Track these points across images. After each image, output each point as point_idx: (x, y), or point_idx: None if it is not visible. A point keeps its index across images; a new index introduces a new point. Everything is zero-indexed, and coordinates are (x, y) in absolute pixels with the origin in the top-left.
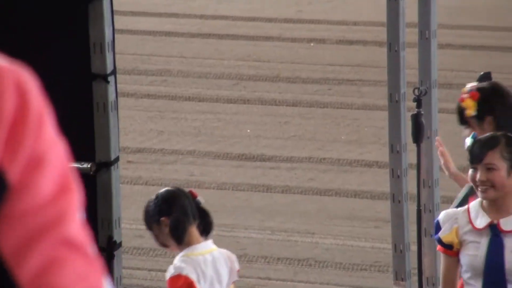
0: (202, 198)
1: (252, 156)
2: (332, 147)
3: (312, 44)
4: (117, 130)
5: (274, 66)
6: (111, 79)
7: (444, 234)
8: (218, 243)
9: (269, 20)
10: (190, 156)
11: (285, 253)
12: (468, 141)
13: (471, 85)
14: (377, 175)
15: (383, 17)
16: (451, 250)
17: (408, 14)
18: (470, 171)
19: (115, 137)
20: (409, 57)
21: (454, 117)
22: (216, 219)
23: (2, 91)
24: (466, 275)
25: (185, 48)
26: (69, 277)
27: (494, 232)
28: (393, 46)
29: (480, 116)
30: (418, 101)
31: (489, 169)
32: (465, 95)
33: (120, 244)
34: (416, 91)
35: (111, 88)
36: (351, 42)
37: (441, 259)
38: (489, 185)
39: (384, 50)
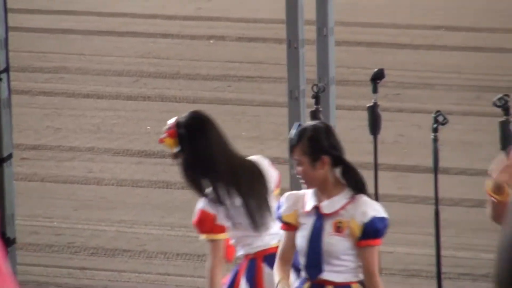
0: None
1: (152, 153)
2: (233, 143)
3: (211, 41)
4: (9, 127)
5: (174, 63)
6: (3, 76)
7: (285, 214)
8: (118, 239)
9: (169, 17)
10: (89, 153)
11: (184, 249)
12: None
13: (171, 121)
14: (278, 170)
15: (282, 14)
16: (289, 226)
17: (306, 12)
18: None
19: (8, 134)
20: (308, 55)
21: (351, 113)
22: (116, 215)
23: None
24: (299, 253)
25: (83, 46)
26: None
27: (317, 215)
28: (292, 43)
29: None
30: (316, 97)
31: (298, 163)
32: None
33: (14, 241)
34: (314, 87)
35: (3, 85)
36: (250, 39)
37: (283, 234)
38: (301, 177)
39: (284, 47)
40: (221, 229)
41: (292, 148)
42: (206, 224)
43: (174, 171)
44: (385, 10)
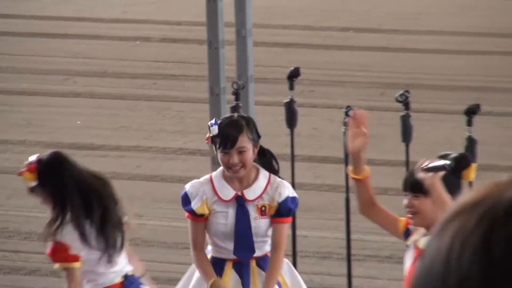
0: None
1: (81, 145)
2: (158, 136)
3: (137, 42)
4: None
5: (103, 62)
6: None
7: (196, 206)
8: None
9: (97, 20)
10: (21, 145)
11: None
12: (214, 129)
13: (33, 157)
14: (200, 162)
15: (203, 17)
16: (201, 217)
17: (226, 15)
18: (221, 155)
19: None
20: (228, 54)
21: (269, 109)
22: None
23: None
24: (215, 238)
25: (15, 47)
26: None
27: (240, 202)
28: (213, 44)
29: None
30: (236, 94)
31: (241, 152)
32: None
33: None
34: (234, 85)
35: None
36: (174, 40)
37: (189, 224)
38: (240, 165)
39: (205, 47)
40: (75, 258)
41: (235, 138)
42: (60, 253)
43: (102, 162)
44: (299, 13)
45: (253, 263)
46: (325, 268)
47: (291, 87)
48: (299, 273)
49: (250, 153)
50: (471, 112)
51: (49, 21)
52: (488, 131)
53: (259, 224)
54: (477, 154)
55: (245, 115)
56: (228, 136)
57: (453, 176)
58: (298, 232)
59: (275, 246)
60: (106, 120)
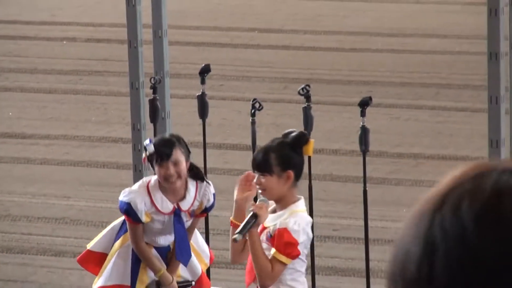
0: None
1: (14, 134)
2: (84, 126)
3: (64, 42)
4: None
5: (33, 60)
6: None
7: (143, 218)
8: None
9: (27, 23)
10: None
11: (44, 213)
12: (150, 147)
13: None
14: (122, 149)
15: (124, 19)
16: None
17: (144, 17)
18: (158, 169)
19: None
20: (146, 52)
21: (183, 101)
22: None
23: None
24: (152, 237)
25: None
26: None
27: (176, 212)
28: (132, 43)
29: None
30: (154, 88)
31: (176, 164)
32: None
33: None
34: (152, 80)
35: None
36: (98, 40)
37: (131, 228)
38: (176, 176)
39: (126, 46)
40: None
41: (170, 151)
42: None
43: (33, 150)
44: (210, 16)
45: None
46: None
47: (203, 82)
48: (212, 248)
49: (184, 165)
50: (364, 104)
51: None
52: (379, 121)
53: (188, 224)
54: (370, 142)
55: (175, 134)
56: (163, 150)
57: (295, 152)
58: (210, 213)
59: (190, 229)
60: (36, 112)
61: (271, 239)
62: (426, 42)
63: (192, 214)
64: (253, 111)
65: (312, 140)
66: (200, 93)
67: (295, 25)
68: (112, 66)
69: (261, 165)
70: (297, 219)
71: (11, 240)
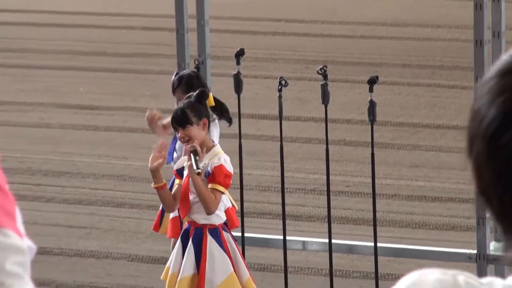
0: None
1: (84, 106)
2: (140, 99)
3: (125, 30)
4: None
5: (102, 45)
6: None
7: None
8: None
9: (97, 13)
10: None
11: (107, 171)
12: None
13: None
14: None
15: (172, 11)
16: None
17: (189, 9)
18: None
19: None
20: (191, 38)
21: (222, 79)
22: None
23: None
24: None
25: None
26: None
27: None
28: (180, 30)
29: None
30: (197, 68)
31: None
32: None
33: None
34: (196, 61)
35: None
36: (151, 29)
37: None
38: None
39: (174, 34)
40: None
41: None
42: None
43: (99, 119)
44: (243, 8)
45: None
46: (265, 198)
47: (238, 63)
48: (245, 201)
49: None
50: (372, 82)
51: None
52: (384, 96)
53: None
54: (376, 113)
55: (193, 78)
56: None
57: (201, 105)
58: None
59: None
60: (102, 88)
61: (209, 176)
62: (422, 31)
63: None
64: (279, 87)
65: (210, 94)
66: (236, 72)
67: (314, 16)
68: (163, 49)
69: (182, 120)
70: (225, 157)
71: (81, 194)
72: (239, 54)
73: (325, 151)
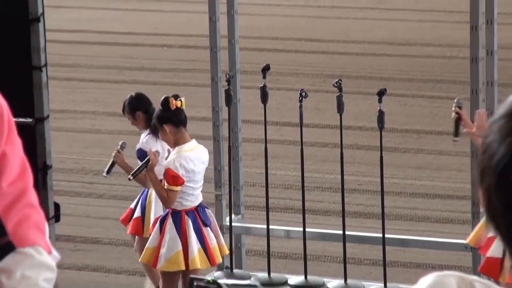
0: None
1: None
2: None
3: (165, 48)
4: None
5: (143, 61)
6: None
7: None
8: None
9: (139, 33)
10: None
11: None
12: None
13: None
14: (205, 125)
15: (207, 31)
16: None
17: (221, 30)
18: None
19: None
20: (223, 55)
21: (249, 91)
22: None
23: None
24: None
25: None
26: (32, 224)
27: None
28: (213, 49)
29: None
30: (228, 81)
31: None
32: None
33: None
34: (227, 75)
35: None
36: (188, 47)
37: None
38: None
39: (208, 51)
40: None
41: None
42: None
43: None
44: (269, 29)
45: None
46: (287, 195)
47: (264, 77)
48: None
49: (135, 123)
50: (381, 93)
51: None
52: (391, 107)
53: None
54: (385, 121)
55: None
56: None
57: (166, 111)
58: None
59: None
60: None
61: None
62: (425, 50)
63: None
64: (300, 98)
65: (171, 98)
66: (262, 85)
67: (330, 36)
68: (198, 65)
69: (155, 128)
70: (177, 159)
71: (127, 191)
72: (265, 69)
73: (339, 154)
